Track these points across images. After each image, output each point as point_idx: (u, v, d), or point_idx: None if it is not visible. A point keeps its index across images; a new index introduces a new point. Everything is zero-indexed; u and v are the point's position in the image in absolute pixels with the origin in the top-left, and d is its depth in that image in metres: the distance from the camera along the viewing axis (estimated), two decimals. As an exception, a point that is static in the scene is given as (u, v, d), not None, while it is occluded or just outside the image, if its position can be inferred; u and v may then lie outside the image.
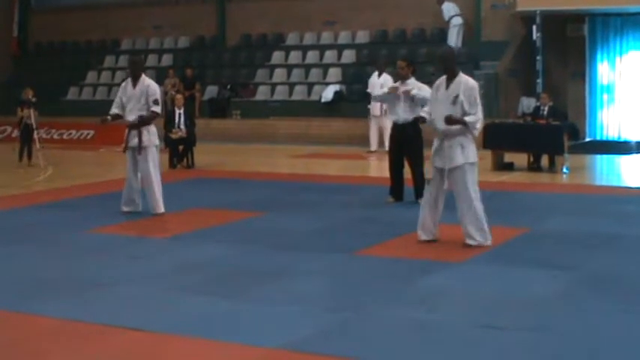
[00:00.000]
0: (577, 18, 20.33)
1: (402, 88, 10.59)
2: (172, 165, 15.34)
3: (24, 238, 8.92)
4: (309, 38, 23.77)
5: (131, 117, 10.08)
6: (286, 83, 22.74)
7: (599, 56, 20.58)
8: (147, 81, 10.19)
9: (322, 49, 23.28)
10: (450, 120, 7.92)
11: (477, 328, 5.56)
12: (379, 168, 15.23)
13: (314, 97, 21.94)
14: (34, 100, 16.31)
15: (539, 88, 18.69)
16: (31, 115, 16.14)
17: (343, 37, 23.33)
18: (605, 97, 20.58)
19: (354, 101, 20.60)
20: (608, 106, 20.57)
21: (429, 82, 9.64)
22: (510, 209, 10.19)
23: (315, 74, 22.70)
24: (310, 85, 22.37)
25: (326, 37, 23.58)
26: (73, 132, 21.76)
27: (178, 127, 15.45)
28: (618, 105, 20.47)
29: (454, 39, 21.31)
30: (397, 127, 10.72)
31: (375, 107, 17.60)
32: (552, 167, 14.42)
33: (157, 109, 10.10)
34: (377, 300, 6.29)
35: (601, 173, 15.97)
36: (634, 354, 5.11)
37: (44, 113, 17.91)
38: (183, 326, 5.67)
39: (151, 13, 25.82)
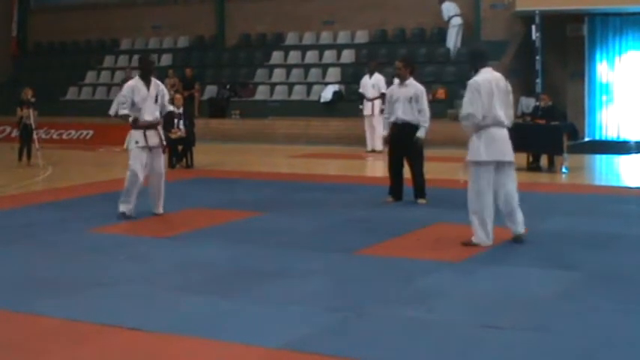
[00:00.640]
0: (576, 18, 20.36)
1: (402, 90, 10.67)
2: (171, 165, 15.32)
3: (23, 238, 8.92)
4: (308, 38, 23.77)
5: (149, 117, 10.02)
6: (285, 83, 22.74)
7: (598, 56, 20.61)
8: (156, 81, 10.22)
9: (321, 49, 23.28)
10: None
11: (477, 328, 5.56)
12: (378, 168, 15.24)
13: (313, 97, 21.95)
14: (33, 100, 16.31)
15: (538, 88, 18.71)
16: (31, 115, 16.13)
17: (342, 37, 23.33)
18: (604, 97, 20.60)
19: (353, 101, 20.59)
20: (607, 106, 20.59)
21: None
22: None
23: (314, 74, 22.70)
24: (309, 85, 22.37)
25: (325, 37, 23.59)
26: (73, 132, 21.75)
27: (177, 127, 15.44)
28: (617, 105, 20.49)
29: (453, 39, 21.35)
30: (397, 128, 10.73)
31: (366, 107, 17.95)
32: (551, 167, 14.44)
33: (172, 107, 10.23)
34: (377, 300, 6.30)
35: (600, 173, 15.98)
36: (634, 354, 5.12)
37: (43, 113, 17.90)
38: (183, 326, 5.67)
39: (151, 13, 25.83)
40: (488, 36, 21.30)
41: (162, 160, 10.21)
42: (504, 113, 8.09)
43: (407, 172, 10.84)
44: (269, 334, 5.47)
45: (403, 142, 10.64)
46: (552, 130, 14.33)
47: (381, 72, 18.21)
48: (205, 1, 25.20)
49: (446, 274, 7.09)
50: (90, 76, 25.49)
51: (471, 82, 8.14)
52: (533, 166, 14.53)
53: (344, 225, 9.49)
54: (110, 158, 17.73)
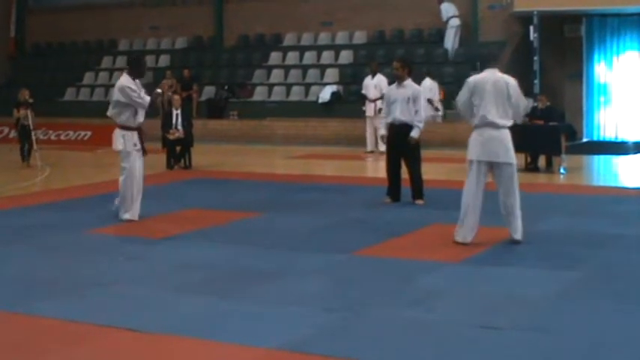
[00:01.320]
0: (574, 18, 20.37)
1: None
2: (170, 166, 15.33)
3: (22, 239, 8.91)
4: (306, 39, 23.78)
5: (141, 118, 10.02)
6: (284, 84, 22.75)
7: (596, 56, 20.63)
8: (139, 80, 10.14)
9: (320, 49, 23.29)
10: None
11: (476, 328, 5.56)
12: (377, 168, 15.24)
13: (311, 97, 21.96)
14: (30, 100, 16.30)
15: (536, 89, 18.71)
16: (28, 116, 16.12)
17: (341, 38, 23.35)
18: (602, 97, 20.61)
19: (351, 102, 20.63)
20: (605, 107, 20.60)
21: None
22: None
23: (312, 75, 22.71)
24: (308, 86, 22.38)
25: (323, 38, 23.60)
26: (71, 133, 21.75)
27: (176, 127, 15.43)
28: (615, 105, 20.50)
29: (452, 40, 21.36)
30: (394, 128, 10.73)
31: (369, 108, 17.99)
32: (550, 168, 14.45)
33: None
34: (376, 300, 6.29)
35: (598, 174, 15.98)
36: (634, 354, 5.11)
37: (41, 114, 17.89)
38: (182, 326, 5.66)
39: (149, 14, 25.84)
40: (486, 37, 21.33)
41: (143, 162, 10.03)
42: (500, 114, 8.04)
43: (405, 172, 10.84)
44: (268, 334, 5.47)
45: (401, 142, 10.65)
46: (550, 131, 14.34)
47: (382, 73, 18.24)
48: (203, 2, 25.21)
49: (445, 275, 7.09)
50: (88, 77, 25.49)
51: (467, 79, 8.28)
52: (531, 167, 14.54)
53: (342, 225, 9.49)
54: (108, 159, 17.68)
